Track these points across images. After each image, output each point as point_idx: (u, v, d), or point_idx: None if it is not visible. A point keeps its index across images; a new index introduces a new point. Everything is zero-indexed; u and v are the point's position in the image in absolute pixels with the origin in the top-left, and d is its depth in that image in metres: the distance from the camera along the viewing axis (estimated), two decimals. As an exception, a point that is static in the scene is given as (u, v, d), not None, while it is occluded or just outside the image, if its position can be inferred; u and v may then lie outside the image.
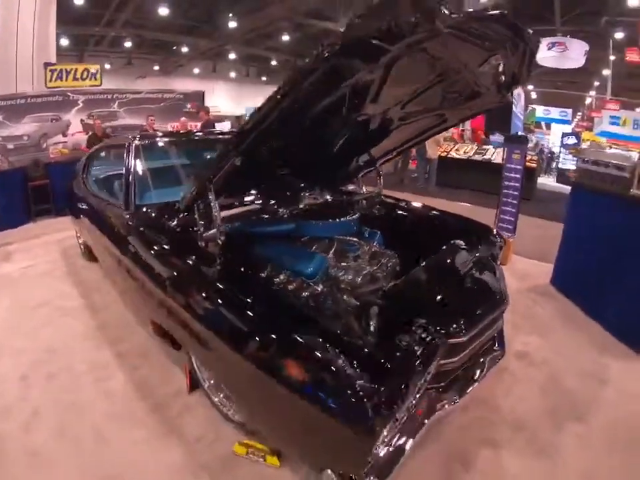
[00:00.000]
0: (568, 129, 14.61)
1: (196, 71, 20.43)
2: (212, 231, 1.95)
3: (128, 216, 2.45)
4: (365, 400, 1.22)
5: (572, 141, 11.54)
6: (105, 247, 2.82)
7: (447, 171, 8.25)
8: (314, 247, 2.30)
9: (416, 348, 1.48)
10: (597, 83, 19.10)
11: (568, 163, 11.90)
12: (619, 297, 3.00)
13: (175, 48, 17.59)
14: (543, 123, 20.85)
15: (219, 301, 1.67)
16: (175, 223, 2.24)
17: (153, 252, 2.13)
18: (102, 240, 2.86)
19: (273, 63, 22.53)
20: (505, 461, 1.85)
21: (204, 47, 17.87)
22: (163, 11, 13.27)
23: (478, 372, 1.92)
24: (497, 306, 2.00)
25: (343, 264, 2.24)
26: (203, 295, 1.73)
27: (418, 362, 1.46)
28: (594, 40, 12.80)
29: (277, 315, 1.55)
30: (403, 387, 1.34)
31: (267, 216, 2.42)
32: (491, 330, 2.01)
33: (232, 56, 19.38)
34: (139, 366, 2.52)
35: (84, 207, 3.35)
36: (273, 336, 1.42)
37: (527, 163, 8.26)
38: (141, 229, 2.32)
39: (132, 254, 2.28)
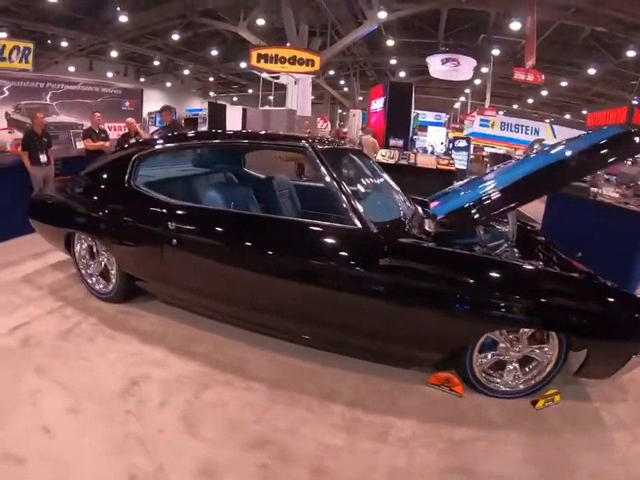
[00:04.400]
0: (442, 130, 16.59)
1: (71, 69, 17.87)
2: (499, 241, 2.57)
3: (373, 238, 2.19)
4: None
5: (463, 144, 13.03)
6: (272, 276, 2.42)
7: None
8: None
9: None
10: (467, 90, 22.02)
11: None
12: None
13: (49, 42, 15.14)
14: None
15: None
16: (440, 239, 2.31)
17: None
18: (256, 269, 2.45)
19: (155, 63, 21.00)
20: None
21: (85, 43, 15.88)
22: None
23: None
24: None
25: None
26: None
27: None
28: (469, 54, 15.05)
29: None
30: None
31: None
32: None
33: (114, 54, 17.48)
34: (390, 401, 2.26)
35: (152, 227, 2.66)
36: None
37: (447, 167, 9.25)
38: (401, 251, 2.21)
39: (395, 283, 2.16)
